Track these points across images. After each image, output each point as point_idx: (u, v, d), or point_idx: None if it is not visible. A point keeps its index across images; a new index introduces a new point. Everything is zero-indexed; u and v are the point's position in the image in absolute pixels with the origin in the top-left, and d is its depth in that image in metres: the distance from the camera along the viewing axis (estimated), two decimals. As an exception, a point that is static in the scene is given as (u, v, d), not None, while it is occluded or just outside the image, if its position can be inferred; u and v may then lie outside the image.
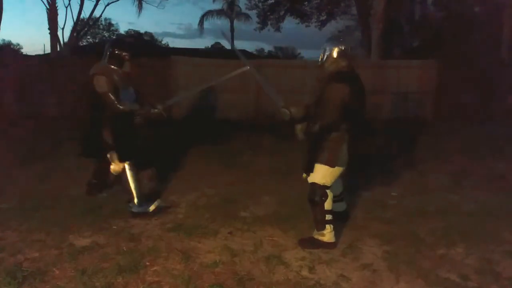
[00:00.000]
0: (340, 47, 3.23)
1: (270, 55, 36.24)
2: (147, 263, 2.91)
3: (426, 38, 17.06)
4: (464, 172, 5.47)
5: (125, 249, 3.11)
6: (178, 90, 11.21)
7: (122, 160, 3.79)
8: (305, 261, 3.00)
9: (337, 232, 3.48)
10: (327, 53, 3.25)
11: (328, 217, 3.20)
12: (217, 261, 2.95)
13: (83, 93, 3.99)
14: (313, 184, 3.19)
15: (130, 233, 3.44)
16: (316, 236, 3.22)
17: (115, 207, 3.97)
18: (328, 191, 3.19)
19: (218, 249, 3.16)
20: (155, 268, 2.86)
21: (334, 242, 3.23)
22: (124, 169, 3.82)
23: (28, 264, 2.86)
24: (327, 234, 3.19)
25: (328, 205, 3.19)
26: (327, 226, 3.19)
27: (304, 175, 3.31)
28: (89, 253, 3.05)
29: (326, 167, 3.15)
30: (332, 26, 20.61)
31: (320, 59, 3.32)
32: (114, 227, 3.55)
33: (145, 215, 3.79)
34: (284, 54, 36.46)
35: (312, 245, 3.20)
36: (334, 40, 3.36)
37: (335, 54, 3.21)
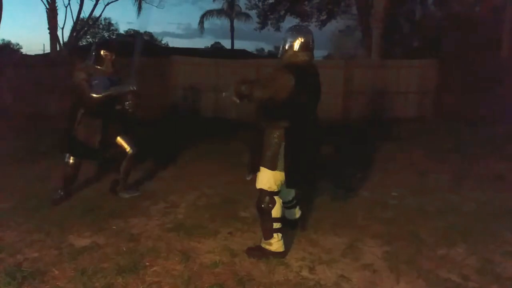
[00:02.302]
0: (302, 38, 2.88)
1: (270, 55, 36.21)
2: (147, 264, 2.90)
3: (426, 38, 17.05)
4: (464, 172, 5.46)
5: (124, 250, 3.11)
6: (177, 89, 11.23)
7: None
8: (305, 262, 2.99)
9: (337, 232, 3.49)
10: (287, 45, 2.92)
11: (276, 225, 2.98)
12: (217, 261, 2.94)
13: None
14: (260, 190, 2.99)
15: (130, 233, 3.43)
16: (263, 245, 3.03)
17: (114, 207, 3.97)
18: (276, 197, 2.98)
19: (218, 249, 3.15)
20: (154, 268, 2.85)
21: (283, 252, 3.01)
22: None
23: (27, 264, 2.86)
24: (275, 244, 2.98)
25: (276, 212, 2.96)
26: (275, 235, 2.97)
27: (249, 176, 3.13)
28: (89, 253, 3.04)
29: (267, 170, 2.93)
30: (333, 26, 20.67)
31: (280, 51, 3.01)
32: (113, 227, 3.54)
33: None
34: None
35: (260, 253, 2.99)
36: (296, 30, 2.97)
37: (296, 47, 2.89)
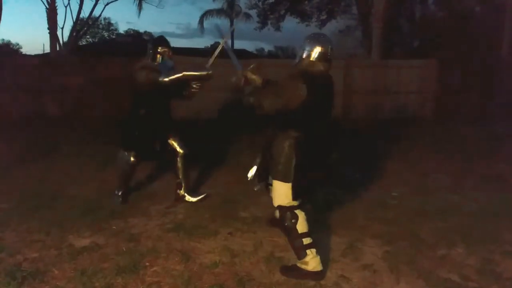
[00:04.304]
0: (320, 48, 2.72)
1: (270, 54, 36.22)
2: (147, 264, 2.90)
3: (426, 38, 17.05)
4: (464, 172, 5.46)
5: (124, 250, 3.11)
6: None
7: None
8: (305, 262, 2.98)
9: (337, 233, 3.49)
10: (305, 53, 2.76)
11: (307, 240, 2.71)
12: (217, 261, 2.94)
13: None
14: (279, 207, 2.79)
15: (130, 233, 3.43)
16: (299, 265, 2.76)
17: (114, 207, 3.97)
18: (298, 211, 2.75)
19: (218, 249, 3.15)
20: (154, 268, 2.85)
21: (321, 271, 2.74)
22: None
23: (27, 265, 2.86)
24: (311, 261, 2.70)
25: (302, 227, 2.72)
26: (308, 251, 2.70)
27: (257, 187, 3.02)
28: (89, 253, 3.04)
29: (283, 183, 2.73)
30: (333, 26, 20.64)
31: (297, 58, 2.84)
32: (113, 227, 3.54)
33: None
34: (284, 54, 36.42)
35: (297, 274, 2.74)
36: (315, 39, 2.80)
37: (314, 56, 2.73)
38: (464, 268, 2.94)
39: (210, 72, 3.74)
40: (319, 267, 2.74)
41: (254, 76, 2.98)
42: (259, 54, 32.80)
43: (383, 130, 8.61)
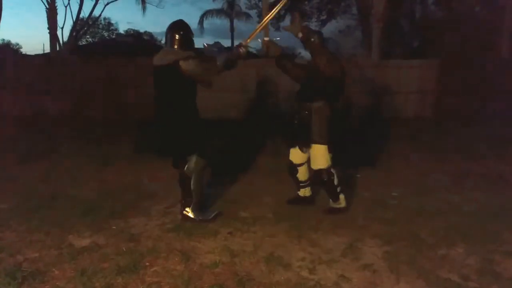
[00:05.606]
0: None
1: (270, 54, 36.11)
2: (147, 264, 2.90)
3: (426, 38, 17.04)
4: (464, 172, 5.46)
5: (124, 250, 3.11)
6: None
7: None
8: (305, 262, 2.99)
9: (337, 233, 3.50)
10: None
11: (339, 189, 3.83)
12: (217, 261, 2.94)
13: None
14: (319, 170, 3.69)
15: (130, 233, 3.43)
16: (334, 206, 3.90)
17: (114, 207, 3.97)
18: (332, 169, 3.73)
19: (218, 249, 3.15)
20: (154, 268, 2.85)
21: (345, 206, 3.93)
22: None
23: (27, 265, 2.86)
24: (342, 201, 3.91)
25: (336, 180, 3.77)
26: (340, 196, 3.86)
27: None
28: (89, 253, 3.05)
29: (323, 146, 3.62)
30: (333, 26, 20.63)
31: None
32: (113, 227, 3.54)
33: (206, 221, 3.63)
34: (284, 54, 36.32)
35: (333, 212, 3.87)
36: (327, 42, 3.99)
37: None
38: (464, 268, 2.94)
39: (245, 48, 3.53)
40: (345, 205, 3.93)
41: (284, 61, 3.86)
42: (259, 54, 32.75)
43: (383, 130, 8.61)
